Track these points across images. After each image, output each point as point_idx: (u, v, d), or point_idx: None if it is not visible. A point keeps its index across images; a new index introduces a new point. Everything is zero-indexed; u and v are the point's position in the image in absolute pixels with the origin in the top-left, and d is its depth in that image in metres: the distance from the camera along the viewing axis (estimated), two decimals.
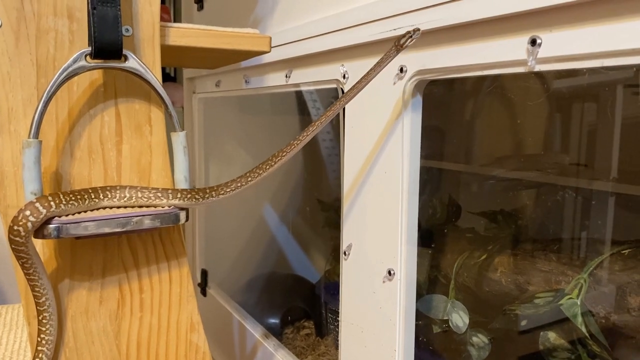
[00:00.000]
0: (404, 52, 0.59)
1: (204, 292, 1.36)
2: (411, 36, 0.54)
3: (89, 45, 0.53)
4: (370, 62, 0.65)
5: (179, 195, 0.57)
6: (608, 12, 0.40)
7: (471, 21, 0.50)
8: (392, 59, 0.56)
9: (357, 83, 0.57)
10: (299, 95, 1.27)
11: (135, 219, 0.54)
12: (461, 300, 0.79)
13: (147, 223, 0.55)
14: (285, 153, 0.58)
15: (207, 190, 0.58)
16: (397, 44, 0.55)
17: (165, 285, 0.61)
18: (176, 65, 1.37)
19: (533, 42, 0.45)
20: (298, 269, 1.43)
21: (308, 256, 1.44)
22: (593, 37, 0.40)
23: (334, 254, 1.23)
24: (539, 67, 0.45)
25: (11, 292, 1.32)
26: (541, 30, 0.44)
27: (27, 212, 0.48)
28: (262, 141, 1.36)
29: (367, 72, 0.57)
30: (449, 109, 0.98)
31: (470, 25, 0.51)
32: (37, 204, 0.48)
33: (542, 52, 0.44)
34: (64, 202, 0.50)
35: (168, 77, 2.48)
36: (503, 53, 0.48)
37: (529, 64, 0.45)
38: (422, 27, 0.55)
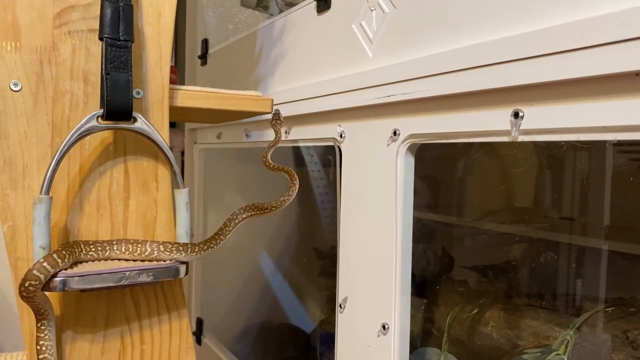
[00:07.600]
0: (397, 116, 0.63)
1: (199, 341, 1.36)
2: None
3: (101, 107, 0.57)
4: (365, 123, 0.69)
5: (181, 249, 0.59)
6: (582, 92, 0.43)
7: (458, 93, 0.53)
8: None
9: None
10: (296, 147, 1.31)
11: (138, 272, 0.56)
12: (454, 353, 0.80)
13: (149, 277, 0.57)
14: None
15: (206, 243, 0.61)
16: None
17: (166, 337, 0.63)
18: (180, 121, 1.41)
19: (516, 114, 0.48)
20: (293, 317, 1.43)
21: (303, 305, 1.45)
22: (569, 113, 0.44)
23: (330, 304, 1.24)
24: (522, 138, 0.48)
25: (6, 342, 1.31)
26: (523, 105, 0.48)
27: (35, 272, 0.50)
28: (259, 190, 1.39)
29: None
30: (445, 164, 1.02)
31: (458, 96, 0.54)
32: (45, 263, 0.50)
33: (525, 124, 0.48)
34: (66, 258, 0.52)
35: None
36: (488, 123, 0.51)
37: (513, 134, 0.49)
38: (413, 96, 0.59)
